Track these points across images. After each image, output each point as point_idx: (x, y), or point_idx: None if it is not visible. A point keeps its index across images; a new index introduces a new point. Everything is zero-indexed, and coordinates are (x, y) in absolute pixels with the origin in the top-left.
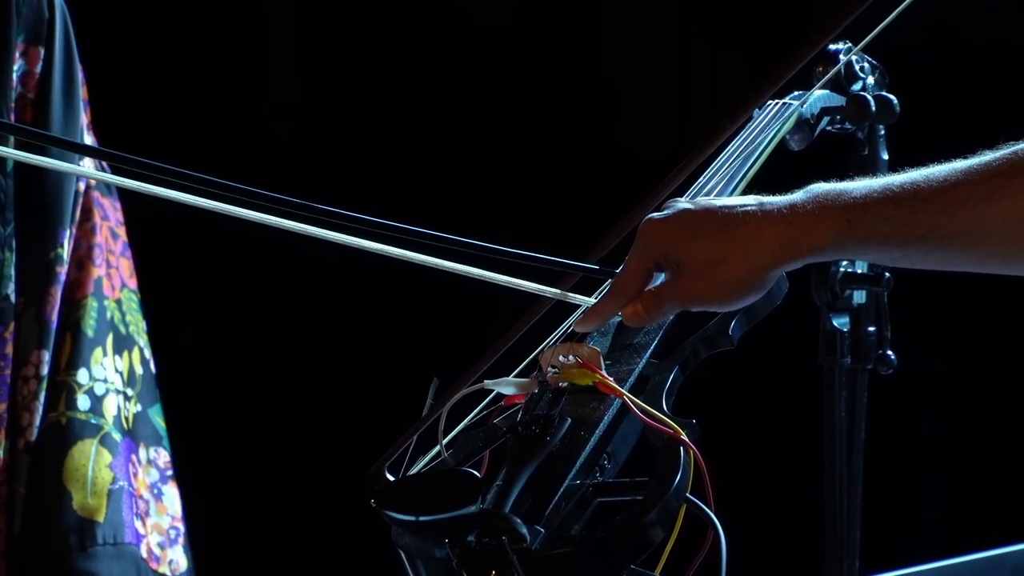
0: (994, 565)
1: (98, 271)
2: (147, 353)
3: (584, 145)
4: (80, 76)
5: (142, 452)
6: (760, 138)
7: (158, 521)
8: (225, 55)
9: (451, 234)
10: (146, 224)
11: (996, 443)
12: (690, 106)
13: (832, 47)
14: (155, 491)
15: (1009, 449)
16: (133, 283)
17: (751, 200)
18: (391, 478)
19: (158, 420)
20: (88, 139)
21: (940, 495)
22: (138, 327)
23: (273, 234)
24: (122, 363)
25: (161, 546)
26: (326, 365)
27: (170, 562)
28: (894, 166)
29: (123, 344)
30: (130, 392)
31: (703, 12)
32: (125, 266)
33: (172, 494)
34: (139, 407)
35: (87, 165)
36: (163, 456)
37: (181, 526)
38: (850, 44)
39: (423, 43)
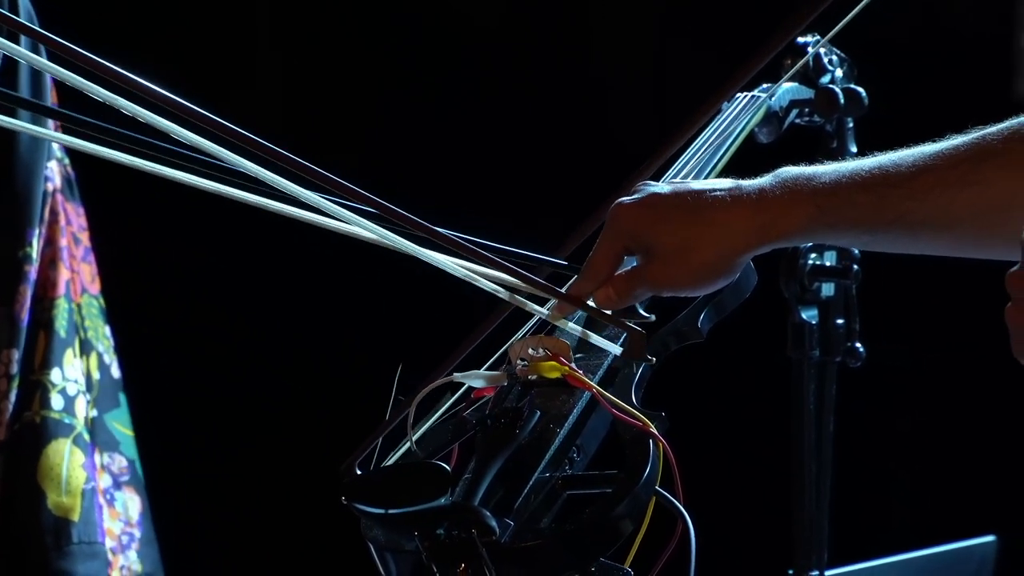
0: (962, 557)
1: (67, 272)
2: (107, 359)
3: (563, 137)
4: (49, 80)
5: (97, 457)
6: (728, 131)
7: (110, 526)
8: (208, 51)
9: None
10: (117, 223)
11: (964, 436)
12: (667, 100)
13: (801, 40)
14: (108, 496)
15: (977, 442)
16: (94, 289)
17: (720, 184)
18: (361, 473)
19: (115, 426)
20: (56, 144)
21: (909, 487)
22: (97, 333)
23: (244, 231)
24: (84, 366)
25: (113, 551)
26: (295, 362)
27: (122, 567)
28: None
29: (83, 348)
30: (88, 397)
31: (682, 9)
32: (86, 271)
33: (125, 500)
34: (95, 412)
35: (53, 167)
36: (118, 462)
37: (136, 531)
38: (819, 36)
39: (407, 37)
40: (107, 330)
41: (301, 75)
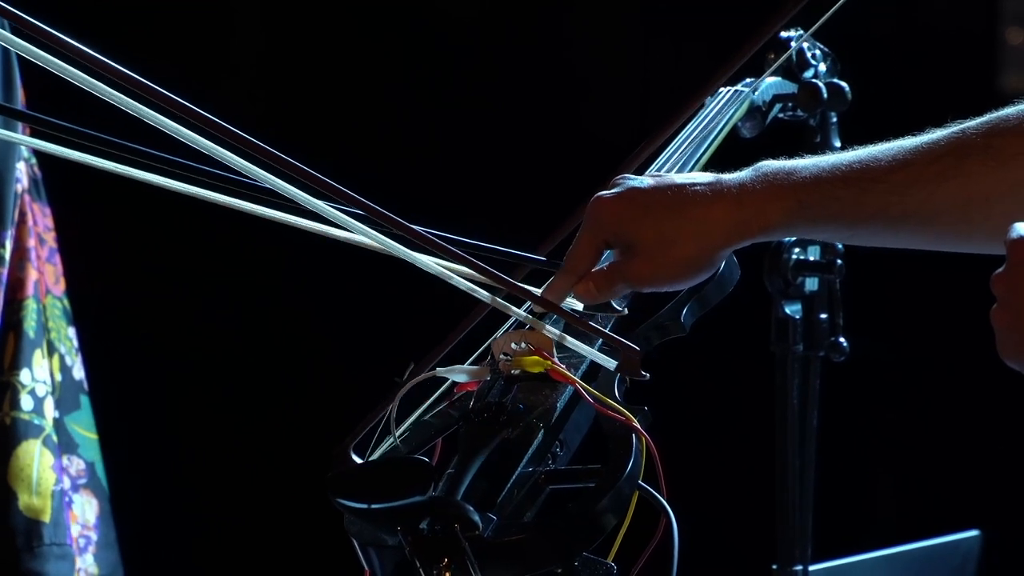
0: (946, 552)
1: (35, 273)
2: (68, 361)
3: (545, 133)
4: (18, 80)
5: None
6: (711, 126)
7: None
8: (187, 41)
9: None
10: (83, 223)
11: (948, 431)
12: (649, 95)
13: (784, 34)
14: (66, 499)
15: (961, 437)
16: (57, 290)
17: (700, 178)
18: (356, 459)
19: (75, 428)
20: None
21: (892, 482)
22: (59, 334)
23: (216, 231)
24: (50, 367)
25: None
26: (264, 364)
27: (79, 571)
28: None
29: (49, 349)
30: (53, 398)
31: (665, 4)
32: (50, 272)
33: (83, 502)
34: (57, 413)
35: (21, 168)
36: (76, 464)
37: (93, 534)
38: (802, 31)
39: (388, 33)
40: (70, 331)
41: (284, 72)
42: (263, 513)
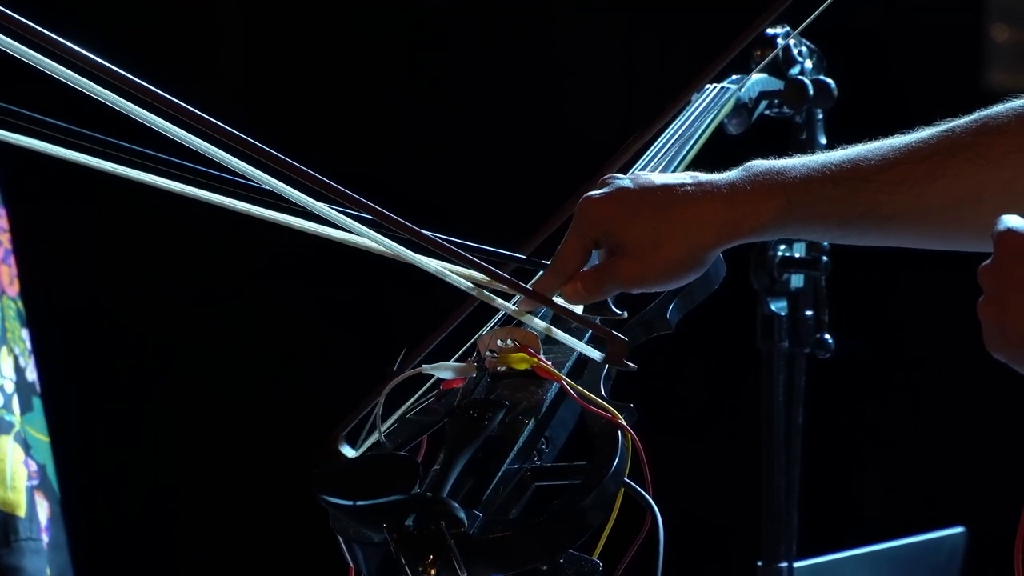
0: (931, 548)
1: None
2: (22, 362)
3: (530, 131)
4: None
5: None
6: (698, 123)
7: None
8: (171, 36)
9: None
10: (38, 225)
11: (933, 427)
12: (634, 93)
13: (770, 31)
14: None
15: (946, 433)
16: (12, 291)
17: (689, 178)
18: (348, 450)
19: (28, 430)
20: None
21: (878, 479)
22: (14, 335)
23: (183, 226)
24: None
25: None
26: (224, 365)
27: None
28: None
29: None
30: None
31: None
32: (5, 273)
33: (34, 504)
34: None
35: None
36: (30, 466)
37: (44, 536)
38: (788, 28)
39: (374, 30)
40: (24, 333)
41: (266, 69)
42: (231, 515)
